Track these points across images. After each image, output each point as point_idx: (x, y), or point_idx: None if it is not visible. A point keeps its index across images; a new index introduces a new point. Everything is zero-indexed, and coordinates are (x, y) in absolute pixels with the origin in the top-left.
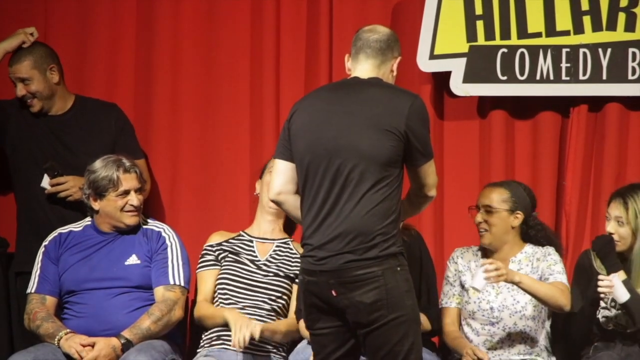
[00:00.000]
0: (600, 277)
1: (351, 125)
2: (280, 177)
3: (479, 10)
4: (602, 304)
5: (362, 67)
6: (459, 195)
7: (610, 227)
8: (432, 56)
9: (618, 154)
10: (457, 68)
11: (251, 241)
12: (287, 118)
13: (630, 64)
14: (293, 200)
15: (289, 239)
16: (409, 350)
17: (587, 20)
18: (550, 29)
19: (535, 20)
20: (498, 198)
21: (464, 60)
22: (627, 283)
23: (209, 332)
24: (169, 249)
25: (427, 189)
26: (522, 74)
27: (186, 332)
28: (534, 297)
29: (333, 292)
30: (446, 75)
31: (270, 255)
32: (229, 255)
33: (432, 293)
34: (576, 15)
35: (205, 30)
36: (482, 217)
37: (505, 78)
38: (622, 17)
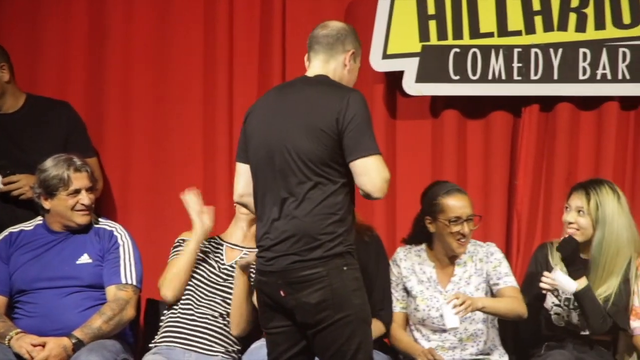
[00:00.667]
0: (544, 273)
1: (289, 127)
2: (241, 180)
3: (431, 10)
4: (555, 300)
5: (312, 64)
6: (411, 194)
7: (570, 216)
8: (385, 56)
9: (569, 153)
10: (409, 68)
11: (222, 245)
12: (243, 120)
13: (581, 64)
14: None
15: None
16: (356, 350)
17: (538, 20)
18: (502, 29)
19: (488, 21)
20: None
21: (416, 59)
22: (589, 290)
23: (160, 331)
24: (121, 248)
25: (366, 187)
26: (474, 73)
27: (138, 332)
28: (495, 315)
29: (282, 293)
30: (399, 75)
31: (236, 261)
32: (199, 254)
33: (386, 295)
34: (528, 15)
35: (158, 29)
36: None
37: (457, 78)
38: (573, 18)
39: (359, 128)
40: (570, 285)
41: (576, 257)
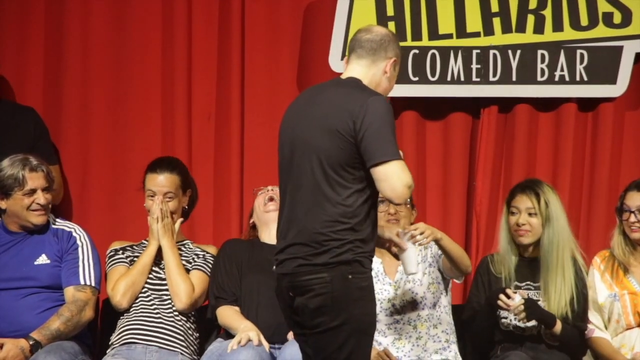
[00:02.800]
0: (501, 297)
1: (310, 127)
2: None
3: (390, 11)
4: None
5: (351, 67)
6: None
7: (522, 219)
8: (344, 56)
9: (527, 154)
10: None
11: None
12: None
13: (539, 66)
14: None
15: (187, 240)
16: (346, 359)
17: (497, 22)
18: (461, 31)
19: (446, 22)
20: None
21: None
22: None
23: (118, 331)
24: (79, 249)
25: (387, 193)
26: (433, 74)
27: (96, 333)
28: (449, 256)
29: (290, 294)
30: None
31: None
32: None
33: None
34: (486, 17)
35: (116, 30)
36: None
37: (416, 79)
38: (531, 19)
39: (378, 133)
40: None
41: (542, 310)
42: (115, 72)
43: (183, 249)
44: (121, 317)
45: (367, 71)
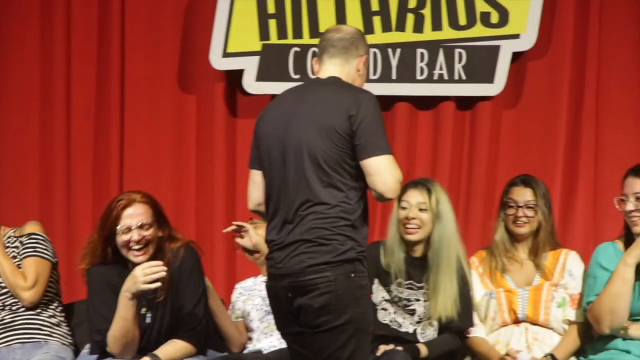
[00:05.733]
0: None
1: (304, 127)
2: (256, 188)
3: (271, 9)
4: (386, 295)
5: (325, 67)
6: None
7: (412, 213)
8: (225, 54)
9: (407, 152)
10: (250, 66)
11: None
12: (255, 126)
13: (419, 64)
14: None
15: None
16: (349, 358)
17: (377, 20)
18: None
19: (327, 20)
20: None
21: (257, 58)
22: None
23: None
24: None
25: (378, 187)
26: (314, 72)
27: None
28: None
29: (289, 294)
30: (239, 74)
31: None
32: None
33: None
34: (366, 15)
35: None
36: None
37: (297, 77)
38: (410, 18)
39: (370, 128)
40: None
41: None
42: None
43: (8, 242)
44: None
45: (342, 70)
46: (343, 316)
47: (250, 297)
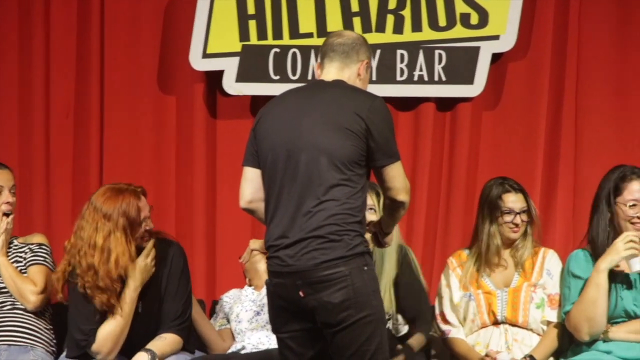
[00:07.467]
0: None
1: (311, 126)
2: (250, 185)
3: (251, 10)
4: None
5: (327, 71)
6: (233, 195)
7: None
8: (205, 55)
9: None
10: (229, 67)
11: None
12: (253, 124)
13: (399, 65)
14: (264, 207)
15: (12, 239)
16: (375, 350)
17: (357, 21)
18: (322, 30)
19: (307, 21)
20: None
21: (236, 59)
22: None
23: None
24: None
25: (393, 192)
26: (294, 73)
27: None
28: None
29: (301, 293)
30: (219, 74)
31: None
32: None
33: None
34: (346, 16)
35: None
36: None
37: (277, 78)
38: (390, 19)
39: (385, 133)
40: None
41: None
42: None
43: (12, 247)
44: None
45: (342, 74)
46: (364, 309)
47: (238, 302)
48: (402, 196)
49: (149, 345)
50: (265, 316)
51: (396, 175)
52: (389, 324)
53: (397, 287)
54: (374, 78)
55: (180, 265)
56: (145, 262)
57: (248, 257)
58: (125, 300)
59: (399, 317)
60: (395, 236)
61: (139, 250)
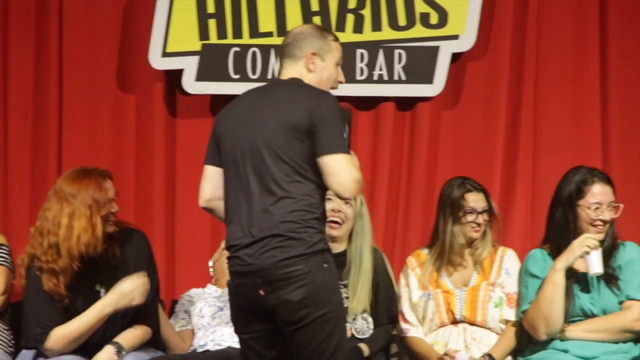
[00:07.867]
0: None
1: (266, 125)
2: (209, 184)
3: (211, 8)
4: None
5: (282, 70)
6: (192, 194)
7: (337, 204)
8: (165, 54)
9: None
10: (189, 66)
11: None
12: (213, 125)
13: (359, 65)
14: (223, 206)
15: None
16: (336, 347)
17: (317, 20)
18: (282, 29)
19: (267, 20)
20: None
21: (196, 58)
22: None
23: None
24: None
25: (333, 186)
26: (254, 72)
27: None
28: None
29: (261, 292)
30: (179, 73)
31: None
32: None
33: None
34: (306, 15)
35: None
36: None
37: (237, 77)
38: (350, 19)
39: (330, 126)
40: None
41: None
42: None
43: None
44: None
45: (293, 71)
46: (324, 307)
47: (201, 299)
48: (346, 194)
49: (117, 338)
50: (228, 312)
51: (338, 167)
52: (357, 323)
53: (373, 290)
54: None
55: (147, 253)
56: (130, 288)
57: (218, 257)
58: (92, 310)
59: (370, 319)
60: (368, 240)
61: (107, 238)
